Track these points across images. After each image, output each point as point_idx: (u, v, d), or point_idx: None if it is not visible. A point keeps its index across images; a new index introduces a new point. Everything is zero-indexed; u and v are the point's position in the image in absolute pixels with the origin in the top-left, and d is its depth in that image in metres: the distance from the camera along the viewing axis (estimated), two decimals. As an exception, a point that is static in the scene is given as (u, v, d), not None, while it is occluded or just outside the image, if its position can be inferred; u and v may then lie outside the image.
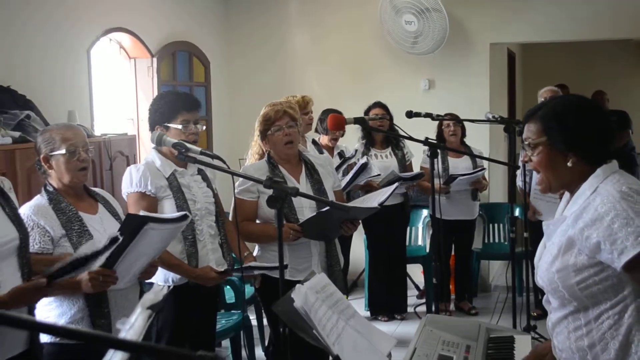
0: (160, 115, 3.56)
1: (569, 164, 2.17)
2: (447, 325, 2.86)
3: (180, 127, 3.50)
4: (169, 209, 3.45)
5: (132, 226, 2.81)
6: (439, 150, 5.86)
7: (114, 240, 2.67)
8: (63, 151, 3.02)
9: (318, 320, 2.37)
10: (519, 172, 6.00)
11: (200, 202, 3.56)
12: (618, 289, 2.07)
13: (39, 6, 4.84)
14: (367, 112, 6.02)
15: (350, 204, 3.80)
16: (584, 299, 2.11)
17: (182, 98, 3.63)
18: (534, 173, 5.37)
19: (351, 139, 6.29)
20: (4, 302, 2.47)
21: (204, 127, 3.71)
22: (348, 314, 2.61)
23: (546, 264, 2.19)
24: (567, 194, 2.31)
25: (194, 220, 3.48)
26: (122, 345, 0.88)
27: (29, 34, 4.72)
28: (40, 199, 3.04)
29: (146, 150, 5.59)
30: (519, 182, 5.96)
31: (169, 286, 3.50)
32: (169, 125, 3.51)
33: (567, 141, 2.17)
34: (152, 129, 3.57)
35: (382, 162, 6.00)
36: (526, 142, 2.25)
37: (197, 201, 3.54)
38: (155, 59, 6.04)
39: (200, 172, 3.66)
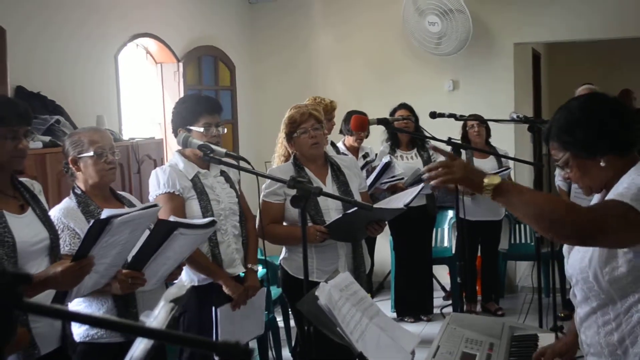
0: (182, 118, 3.62)
1: (602, 164, 2.16)
2: (470, 324, 2.87)
3: (202, 130, 3.55)
4: (195, 209, 3.52)
5: (162, 231, 2.87)
6: (463, 151, 5.99)
7: (152, 206, 2.76)
8: (91, 153, 3.07)
9: (342, 317, 2.40)
10: (556, 172, 5.99)
11: (224, 203, 3.61)
12: None
13: (67, 13, 4.93)
14: (392, 114, 6.03)
15: (376, 205, 3.81)
16: (611, 291, 2.10)
17: (203, 101, 3.68)
18: None
19: (377, 141, 6.30)
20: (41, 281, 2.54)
21: (225, 130, 3.75)
22: (372, 311, 2.64)
23: (579, 253, 2.19)
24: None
25: (217, 221, 3.53)
26: (147, 333, 0.92)
27: (58, 41, 4.81)
28: (69, 202, 3.10)
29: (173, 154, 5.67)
30: (558, 182, 5.94)
31: (193, 286, 3.56)
32: (191, 128, 3.57)
33: (587, 148, 2.16)
34: (174, 132, 3.63)
35: (408, 164, 6.00)
36: (557, 163, 2.25)
37: (220, 201, 3.60)
38: (181, 64, 6.12)
39: (223, 173, 3.71)
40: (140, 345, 1.16)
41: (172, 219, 3.01)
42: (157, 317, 1.32)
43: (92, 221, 2.65)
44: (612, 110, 2.20)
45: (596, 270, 2.11)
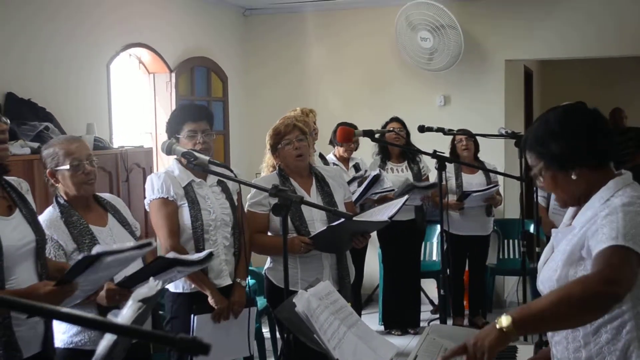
0: (170, 128, 3.65)
1: (573, 176, 2.14)
2: (450, 334, 2.87)
3: (186, 137, 3.55)
4: (186, 217, 3.53)
5: (160, 265, 2.85)
6: (452, 165, 6.01)
7: (145, 245, 2.72)
8: (67, 166, 3.04)
9: (319, 325, 2.42)
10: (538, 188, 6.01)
11: (216, 213, 3.59)
12: None
13: (61, 22, 4.97)
14: (384, 127, 6.07)
15: (360, 217, 3.80)
16: None
17: (187, 109, 3.71)
18: None
19: (368, 153, 6.32)
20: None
21: (214, 137, 3.74)
22: (351, 320, 2.66)
23: (550, 270, 2.18)
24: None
25: (207, 231, 3.53)
26: (105, 327, 0.94)
27: (50, 49, 4.85)
28: (52, 212, 3.09)
29: (164, 163, 5.69)
30: (539, 198, 5.97)
31: (179, 293, 3.56)
32: (178, 136, 3.59)
33: (560, 160, 2.15)
34: None
35: (398, 176, 6.02)
36: (532, 172, 2.25)
37: (212, 212, 3.58)
38: (173, 74, 6.15)
39: (220, 183, 3.69)
40: (103, 342, 1.18)
41: (170, 255, 2.93)
42: (124, 316, 1.34)
43: (81, 256, 2.56)
44: (586, 124, 2.17)
45: None
